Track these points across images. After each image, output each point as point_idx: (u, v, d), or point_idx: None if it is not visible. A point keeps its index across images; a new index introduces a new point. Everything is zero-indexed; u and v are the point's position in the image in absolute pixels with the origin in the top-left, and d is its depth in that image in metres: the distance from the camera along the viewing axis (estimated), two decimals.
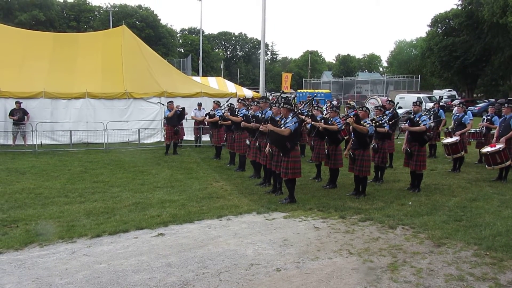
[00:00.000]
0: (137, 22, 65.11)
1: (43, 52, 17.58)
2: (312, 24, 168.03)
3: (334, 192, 8.83)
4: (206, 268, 4.94)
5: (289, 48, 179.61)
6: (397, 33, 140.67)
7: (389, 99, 16.42)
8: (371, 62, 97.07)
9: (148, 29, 64.90)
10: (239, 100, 11.82)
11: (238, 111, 11.07)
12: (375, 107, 10.81)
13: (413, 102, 9.78)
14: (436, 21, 49.61)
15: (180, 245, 5.72)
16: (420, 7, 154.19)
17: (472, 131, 11.70)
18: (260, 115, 9.48)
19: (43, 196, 8.42)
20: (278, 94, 13.73)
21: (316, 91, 43.89)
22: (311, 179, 10.08)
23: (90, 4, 69.67)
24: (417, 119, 8.86)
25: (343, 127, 9.57)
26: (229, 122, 11.11)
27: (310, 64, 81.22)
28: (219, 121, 12.23)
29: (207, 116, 13.55)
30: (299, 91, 49.53)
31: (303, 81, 63.72)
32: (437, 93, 41.66)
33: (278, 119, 8.02)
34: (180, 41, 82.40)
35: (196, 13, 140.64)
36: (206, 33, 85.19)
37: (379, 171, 9.92)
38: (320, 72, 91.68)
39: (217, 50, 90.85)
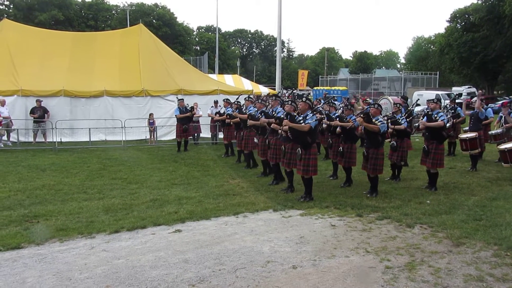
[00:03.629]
0: (154, 21, 65.62)
1: (62, 51, 17.85)
2: (329, 20, 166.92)
3: (351, 190, 8.78)
4: (222, 265, 4.97)
5: (306, 45, 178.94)
6: (415, 29, 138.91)
7: (402, 96, 16.22)
8: (388, 59, 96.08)
9: (165, 27, 65.35)
10: (247, 98, 11.74)
11: (246, 108, 10.95)
12: (394, 104, 10.68)
13: (427, 100, 9.68)
14: (455, 16, 48.69)
15: (197, 241, 5.76)
16: (438, 2, 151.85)
17: (493, 132, 11.30)
18: (270, 112, 9.41)
19: (63, 192, 8.58)
20: (289, 91, 13.49)
21: (333, 88, 43.62)
22: (327, 177, 10.02)
23: (107, 3, 70.47)
24: (435, 115, 8.70)
25: (359, 125, 9.49)
26: (238, 119, 11.10)
27: (326, 61, 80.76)
28: (227, 119, 12.24)
29: (217, 115, 13.62)
30: (315, 88, 49.29)
31: (320, 78, 63.26)
32: (456, 90, 40.92)
33: (294, 115, 7.98)
34: (197, 39, 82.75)
35: (212, 11, 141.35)
36: (222, 30, 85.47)
37: (396, 169, 9.80)
38: (337, 69, 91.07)
39: (233, 47, 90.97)
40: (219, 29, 59.06)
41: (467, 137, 10.87)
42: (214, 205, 7.54)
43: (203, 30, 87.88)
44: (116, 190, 8.71)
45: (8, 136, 15.40)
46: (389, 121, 9.91)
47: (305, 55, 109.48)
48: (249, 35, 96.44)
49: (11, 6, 58.92)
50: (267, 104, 10.08)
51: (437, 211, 7.14)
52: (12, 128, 15.23)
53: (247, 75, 61.17)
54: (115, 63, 17.86)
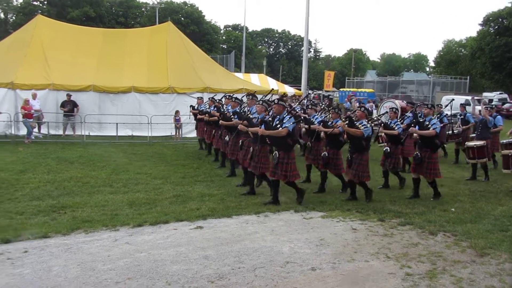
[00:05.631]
0: (182, 18, 66.26)
1: (93, 47, 18.30)
2: (357, 21, 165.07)
3: (374, 194, 8.67)
4: (242, 263, 5.02)
5: (333, 45, 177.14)
6: (446, 32, 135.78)
7: (410, 101, 15.82)
8: (417, 62, 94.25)
9: (193, 25, 65.91)
10: (227, 96, 11.16)
11: (225, 107, 10.55)
12: (390, 108, 10.32)
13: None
14: (488, 20, 47.45)
15: (218, 238, 5.83)
16: (471, 5, 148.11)
17: (505, 142, 10.51)
18: (245, 111, 9.09)
19: (90, 185, 8.80)
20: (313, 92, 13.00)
21: (359, 90, 43.16)
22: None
23: (137, 0, 71.57)
24: (427, 122, 8.29)
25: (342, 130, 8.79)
26: (215, 118, 10.71)
27: (353, 63, 79.90)
28: (205, 117, 11.79)
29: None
30: (341, 89, 48.87)
31: (346, 80, 62.63)
32: (486, 95, 39.87)
33: (269, 119, 7.63)
34: (224, 37, 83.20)
35: (240, 10, 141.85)
36: (249, 30, 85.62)
37: (387, 177, 9.38)
38: (364, 71, 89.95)
39: (260, 47, 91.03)
40: (247, 28, 59.32)
41: (475, 144, 10.33)
42: (235, 203, 7.61)
43: (230, 28, 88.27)
44: (140, 185, 8.89)
45: (39, 129, 15.90)
46: (381, 125, 9.74)
47: (332, 56, 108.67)
48: (276, 35, 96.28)
49: (45, 2, 60.58)
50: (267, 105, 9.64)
51: (462, 219, 6.99)
52: (43, 121, 15.70)
53: (273, 75, 61.15)
54: (144, 60, 18.19)
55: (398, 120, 9.60)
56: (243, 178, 9.10)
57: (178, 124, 16.06)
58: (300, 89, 28.49)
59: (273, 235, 6.06)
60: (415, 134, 8.52)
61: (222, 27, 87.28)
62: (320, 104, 13.22)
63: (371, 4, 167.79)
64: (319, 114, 9.70)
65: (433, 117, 8.48)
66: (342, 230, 6.37)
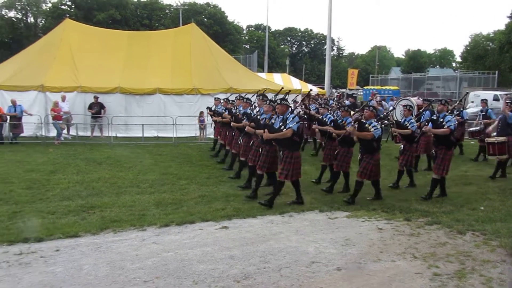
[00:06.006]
0: (205, 19, 66.79)
1: (118, 50, 18.67)
2: (381, 18, 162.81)
3: (399, 193, 8.59)
4: (267, 263, 5.05)
5: (356, 43, 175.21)
6: (473, 26, 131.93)
7: (425, 99, 15.36)
8: (443, 57, 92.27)
9: (216, 26, 66.36)
10: (238, 97, 11.17)
11: (237, 108, 10.54)
12: (404, 106, 10.05)
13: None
14: None
15: (243, 238, 5.88)
16: None
17: None
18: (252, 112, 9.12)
19: (117, 185, 9.00)
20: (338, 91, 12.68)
21: (384, 87, 42.56)
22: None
23: (161, 2, 72.53)
24: (441, 120, 8.06)
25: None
26: (228, 120, 10.69)
27: (377, 60, 78.82)
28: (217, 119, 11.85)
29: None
30: (365, 87, 48.33)
31: (370, 78, 61.83)
32: None
33: (272, 121, 7.64)
34: (246, 37, 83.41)
35: (262, 10, 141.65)
36: (272, 29, 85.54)
37: (400, 175, 9.20)
38: (388, 68, 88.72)
39: (282, 46, 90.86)
40: (269, 28, 59.33)
41: (496, 140, 10.01)
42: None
43: (252, 28, 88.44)
44: (166, 185, 9.03)
45: (68, 130, 16.32)
46: (393, 124, 9.53)
47: (356, 54, 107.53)
48: (299, 34, 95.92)
49: (73, 6, 62.10)
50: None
51: (491, 218, 6.84)
52: (72, 122, 16.11)
53: (296, 74, 60.97)
54: (168, 61, 18.44)
55: (413, 118, 9.36)
56: (246, 180, 8.96)
57: (202, 125, 16.22)
58: (323, 88, 28.33)
59: (298, 235, 6.07)
60: (429, 133, 8.39)
61: (244, 27, 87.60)
62: (333, 103, 13.17)
63: (395, 0, 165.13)
64: (333, 113, 9.68)
65: (447, 114, 8.23)
66: (368, 229, 6.33)
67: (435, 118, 8.34)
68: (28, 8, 63.87)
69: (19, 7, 63.03)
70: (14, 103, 14.83)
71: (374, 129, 7.65)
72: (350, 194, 8.01)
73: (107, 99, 16.56)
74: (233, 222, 6.60)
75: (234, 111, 10.51)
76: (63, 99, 15.77)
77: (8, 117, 14.83)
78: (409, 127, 8.94)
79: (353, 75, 37.27)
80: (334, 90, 33.61)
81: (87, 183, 9.16)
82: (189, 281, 4.55)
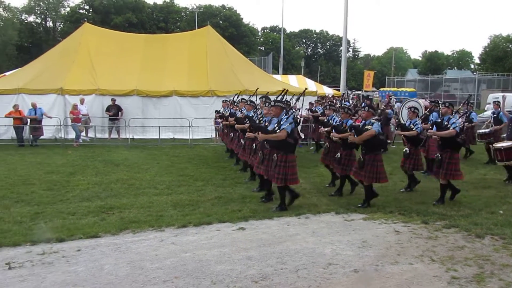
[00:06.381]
0: (220, 22, 67.24)
1: (135, 53, 18.97)
2: (397, 19, 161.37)
3: (416, 196, 8.52)
4: (284, 264, 5.09)
5: (372, 44, 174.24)
6: (492, 27, 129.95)
7: (433, 100, 15.15)
8: (461, 59, 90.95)
9: (231, 28, 66.75)
10: (241, 99, 11.24)
11: (241, 111, 10.46)
12: (408, 108, 9.87)
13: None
14: None
15: (260, 240, 5.93)
16: None
17: None
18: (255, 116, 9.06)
19: (135, 186, 9.14)
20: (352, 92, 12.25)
21: (400, 89, 42.24)
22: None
23: (177, 5, 73.24)
24: (446, 122, 7.83)
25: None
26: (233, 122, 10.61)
27: (394, 61, 78.19)
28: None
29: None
30: (381, 89, 48.01)
31: (386, 79, 61.42)
32: None
33: (266, 123, 7.57)
34: (261, 39, 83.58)
35: (277, 11, 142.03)
36: (287, 31, 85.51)
37: (411, 178, 9.00)
38: (405, 69, 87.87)
39: (298, 48, 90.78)
40: (284, 30, 59.37)
41: (502, 146, 9.72)
42: (277, 205, 7.66)
43: (267, 30, 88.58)
44: (183, 187, 9.13)
45: (86, 132, 16.61)
46: (398, 126, 9.37)
47: (371, 55, 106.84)
48: (314, 35, 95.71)
49: (90, 10, 63.11)
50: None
51: (511, 222, 6.74)
52: (90, 125, 16.39)
53: (311, 76, 60.84)
54: (184, 64, 18.65)
55: (418, 119, 9.20)
56: (259, 184, 8.90)
57: (218, 127, 16.32)
58: (338, 90, 28.25)
59: (315, 236, 6.09)
60: (434, 136, 8.15)
61: (259, 29, 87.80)
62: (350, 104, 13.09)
63: (411, 0, 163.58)
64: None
65: (451, 116, 7.99)
66: (385, 232, 6.31)
67: (439, 121, 8.16)
68: (47, 13, 65.20)
69: (38, 12, 64.37)
70: (34, 106, 15.16)
71: (374, 126, 7.51)
72: (363, 199, 7.82)
73: (124, 102, 16.83)
74: (250, 224, 6.65)
75: (235, 114, 10.57)
76: (82, 102, 16.06)
77: (29, 120, 15.16)
78: (414, 129, 8.78)
79: (369, 77, 36.99)
80: (349, 92, 33.39)
81: (105, 184, 9.32)
82: (208, 281, 4.61)
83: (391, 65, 77.93)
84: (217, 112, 13.73)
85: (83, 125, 16.05)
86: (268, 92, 12.00)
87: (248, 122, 8.98)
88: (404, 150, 9.06)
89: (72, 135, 15.77)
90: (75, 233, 6.13)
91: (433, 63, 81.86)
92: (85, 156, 12.82)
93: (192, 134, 15.73)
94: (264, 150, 7.75)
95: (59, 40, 45.80)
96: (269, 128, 7.41)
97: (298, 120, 10.13)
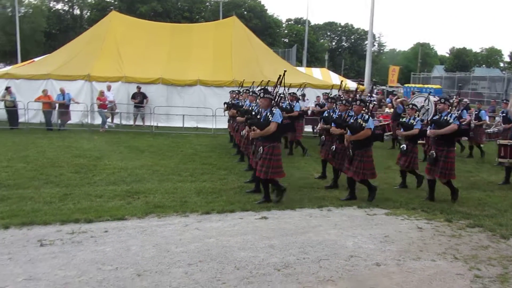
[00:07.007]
0: (245, 12, 67.01)
1: (161, 42, 19.18)
2: (425, 14, 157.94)
3: (440, 194, 8.42)
4: (306, 254, 5.15)
5: (398, 39, 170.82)
6: None
7: (441, 97, 14.82)
8: (490, 57, 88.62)
9: (256, 19, 66.48)
10: (244, 90, 11.15)
11: (243, 102, 10.41)
12: (407, 105, 9.57)
13: (438, 99, 8.53)
14: None
15: (282, 229, 6.00)
16: None
17: None
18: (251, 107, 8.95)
19: (159, 173, 9.31)
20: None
21: (425, 86, 41.51)
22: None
23: None
24: (445, 117, 7.56)
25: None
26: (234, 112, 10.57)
27: (420, 57, 76.73)
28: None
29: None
30: (406, 85, 47.23)
31: (412, 75, 60.33)
32: None
33: (258, 116, 7.36)
34: (286, 31, 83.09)
35: (302, 3, 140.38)
36: (312, 23, 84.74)
37: (405, 176, 8.87)
38: (431, 66, 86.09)
39: (322, 40, 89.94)
40: (309, 22, 58.95)
41: (508, 142, 9.44)
42: (299, 197, 7.73)
43: (292, 22, 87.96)
44: (206, 175, 9.26)
45: (112, 119, 16.93)
46: (398, 126, 9.11)
47: (397, 50, 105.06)
48: (339, 28, 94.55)
49: None
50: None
51: None
52: (116, 111, 16.69)
53: (335, 69, 60.26)
54: (209, 53, 18.77)
55: (418, 116, 8.90)
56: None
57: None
58: (363, 84, 27.94)
59: (337, 229, 6.12)
60: (431, 136, 7.92)
61: (284, 21, 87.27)
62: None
63: None
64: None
65: (450, 112, 7.70)
66: (407, 228, 6.30)
67: (436, 118, 7.89)
68: (75, 1, 66.16)
69: (66, 0, 65.38)
70: (62, 91, 15.52)
71: (367, 124, 7.35)
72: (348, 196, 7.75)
73: (149, 90, 17.07)
74: (272, 213, 6.73)
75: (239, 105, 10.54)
76: (109, 88, 16.36)
77: (57, 105, 15.54)
78: (415, 127, 8.55)
79: (394, 72, 36.54)
80: (374, 87, 32.99)
81: (130, 169, 9.52)
82: (231, 267, 4.71)
83: (417, 60, 76.51)
84: (225, 103, 13.77)
85: (109, 112, 16.35)
86: (268, 82, 11.79)
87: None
88: (401, 147, 8.89)
89: (98, 120, 16.11)
90: (102, 214, 6.32)
91: (461, 60, 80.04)
92: (110, 142, 13.10)
93: (216, 123, 15.86)
94: (256, 142, 7.61)
95: (85, 27, 46.54)
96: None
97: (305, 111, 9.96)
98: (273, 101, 7.34)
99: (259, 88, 9.60)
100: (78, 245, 5.21)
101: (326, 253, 5.21)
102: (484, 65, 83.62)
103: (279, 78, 7.85)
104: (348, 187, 7.82)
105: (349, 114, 8.10)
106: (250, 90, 10.33)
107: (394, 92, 29.99)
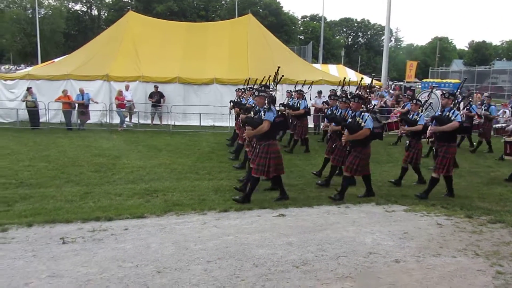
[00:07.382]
0: (260, 10, 67.03)
1: (178, 41, 19.28)
2: (443, 7, 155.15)
3: (460, 189, 8.32)
4: (324, 251, 5.14)
5: (415, 34, 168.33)
6: None
7: (449, 92, 14.54)
8: (510, 50, 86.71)
9: (271, 16, 66.46)
10: (247, 88, 11.06)
11: (247, 100, 10.30)
12: (410, 100, 9.37)
13: (441, 95, 8.36)
14: None
15: (300, 226, 6.00)
16: None
17: None
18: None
19: (177, 171, 9.40)
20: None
21: (444, 81, 40.86)
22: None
23: None
24: (447, 113, 7.44)
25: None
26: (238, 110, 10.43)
27: (438, 52, 75.49)
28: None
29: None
30: (424, 80, 46.56)
31: (430, 70, 59.42)
32: None
33: (252, 115, 7.31)
34: (301, 28, 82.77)
35: (318, 0, 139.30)
36: (327, 19, 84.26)
37: (420, 172, 8.76)
38: (450, 60, 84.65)
39: (338, 37, 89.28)
40: (325, 18, 58.54)
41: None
42: (316, 194, 7.73)
43: (307, 19, 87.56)
44: (223, 173, 9.31)
45: (130, 118, 17.12)
46: (401, 121, 8.98)
47: (414, 45, 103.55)
48: (355, 24, 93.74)
49: None
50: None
51: None
52: (134, 110, 16.89)
53: (351, 65, 59.82)
54: (225, 52, 18.80)
55: (421, 111, 8.81)
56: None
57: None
58: (380, 80, 27.67)
59: (355, 226, 6.09)
60: (430, 134, 7.86)
61: (299, 18, 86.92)
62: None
63: None
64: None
65: (453, 107, 7.53)
66: (427, 224, 6.23)
67: (438, 114, 7.76)
68: (92, 1, 67.11)
69: (84, 0, 66.36)
70: (81, 91, 15.76)
71: (366, 122, 7.22)
72: (337, 190, 7.62)
73: (166, 89, 17.18)
74: (290, 211, 6.73)
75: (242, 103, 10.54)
76: (127, 88, 16.54)
77: (76, 105, 15.79)
78: (419, 123, 8.45)
79: (411, 67, 36.06)
80: (391, 83, 32.63)
81: (149, 168, 9.63)
82: (250, 264, 4.74)
83: (435, 55, 75.29)
84: (231, 101, 13.77)
85: (127, 111, 16.54)
86: (269, 77, 11.73)
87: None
88: (405, 143, 8.82)
89: (116, 120, 16.30)
90: (122, 213, 6.42)
91: (481, 54, 78.53)
92: (129, 141, 13.26)
93: (232, 122, 15.90)
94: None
95: (103, 28, 47.16)
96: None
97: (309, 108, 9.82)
98: (266, 99, 7.22)
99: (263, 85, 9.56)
100: (99, 243, 5.31)
101: (345, 250, 5.20)
102: (504, 58, 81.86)
103: (275, 74, 7.83)
104: (364, 184, 7.75)
105: (348, 112, 8.09)
106: (254, 88, 10.39)
107: (412, 88, 29.61)
